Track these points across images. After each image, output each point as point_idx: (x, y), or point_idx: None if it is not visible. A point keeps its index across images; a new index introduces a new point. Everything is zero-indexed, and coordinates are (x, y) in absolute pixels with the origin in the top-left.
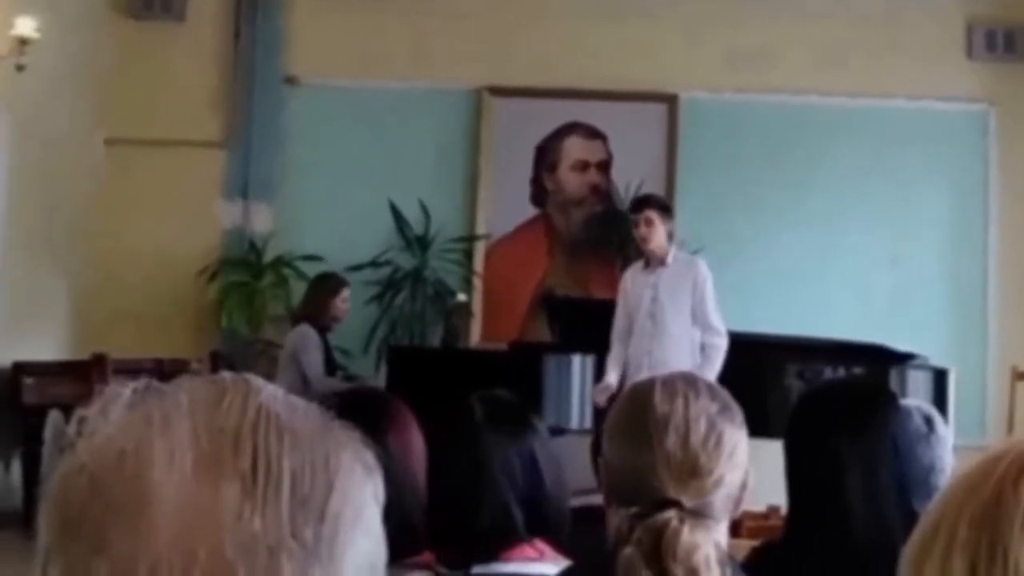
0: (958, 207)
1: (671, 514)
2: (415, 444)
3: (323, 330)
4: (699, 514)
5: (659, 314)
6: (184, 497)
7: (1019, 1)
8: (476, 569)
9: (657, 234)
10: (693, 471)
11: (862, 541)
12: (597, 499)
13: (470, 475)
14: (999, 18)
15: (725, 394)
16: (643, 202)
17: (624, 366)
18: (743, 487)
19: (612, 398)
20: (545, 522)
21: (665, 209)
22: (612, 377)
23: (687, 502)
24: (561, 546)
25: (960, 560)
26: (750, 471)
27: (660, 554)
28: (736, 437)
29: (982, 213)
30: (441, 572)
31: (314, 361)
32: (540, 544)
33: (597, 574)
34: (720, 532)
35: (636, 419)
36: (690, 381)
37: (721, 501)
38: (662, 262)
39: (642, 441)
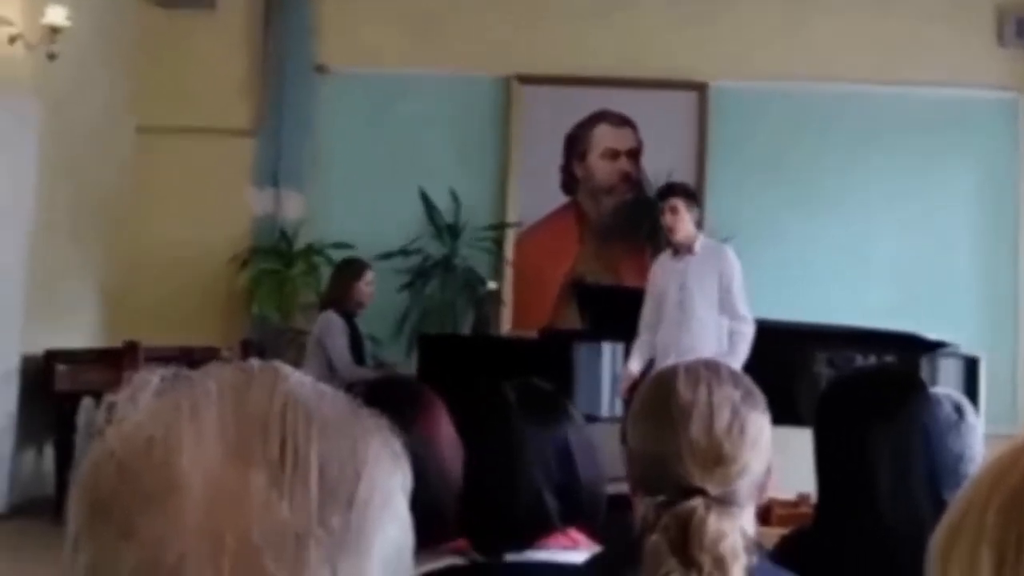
0: (989, 195)
1: (697, 502)
2: (444, 432)
3: (349, 315)
4: (725, 501)
5: (687, 302)
6: (212, 484)
7: None
8: (509, 556)
9: (683, 222)
10: (718, 458)
11: (891, 529)
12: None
13: (504, 462)
14: None
15: (748, 381)
16: (668, 190)
17: (652, 354)
18: (768, 473)
19: (634, 386)
20: (580, 510)
21: (691, 197)
22: (634, 366)
23: (712, 490)
24: (596, 534)
25: (988, 549)
26: (773, 458)
27: (687, 542)
28: (760, 424)
29: (1013, 200)
30: (474, 558)
31: (339, 346)
32: (574, 533)
33: (624, 562)
34: (746, 519)
35: (660, 407)
36: (713, 368)
37: (746, 488)
38: (690, 250)
39: (666, 429)
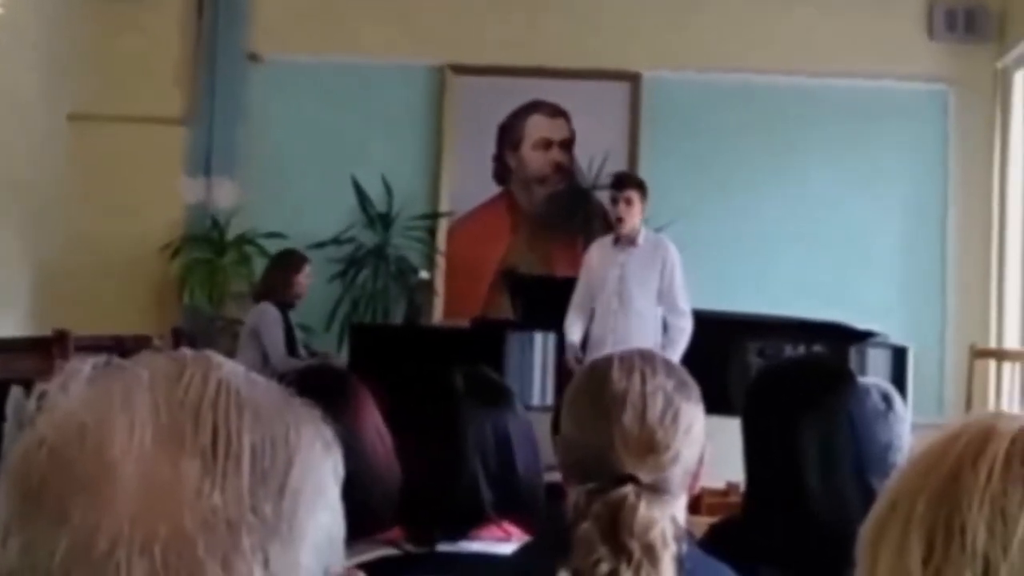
0: (918, 186)
1: (628, 489)
2: (370, 422)
3: (285, 307)
4: (656, 489)
5: (625, 293)
6: (144, 471)
7: None
8: (442, 547)
9: (634, 214)
10: (650, 447)
11: (819, 518)
12: (558, 476)
13: (444, 449)
14: None
15: (682, 371)
16: (625, 181)
17: (587, 341)
18: (700, 463)
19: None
20: (516, 502)
21: (644, 190)
22: (575, 335)
23: (644, 477)
24: (531, 527)
25: (917, 537)
26: (707, 447)
27: (617, 529)
28: (693, 413)
29: (941, 192)
30: (407, 548)
31: (275, 339)
32: (508, 525)
33: (555, 551)
34: (678, 508)
35: (593, 395)
36: (647, 357)
37: (678, 477)
38: (632, 241)
39: (599, 417)
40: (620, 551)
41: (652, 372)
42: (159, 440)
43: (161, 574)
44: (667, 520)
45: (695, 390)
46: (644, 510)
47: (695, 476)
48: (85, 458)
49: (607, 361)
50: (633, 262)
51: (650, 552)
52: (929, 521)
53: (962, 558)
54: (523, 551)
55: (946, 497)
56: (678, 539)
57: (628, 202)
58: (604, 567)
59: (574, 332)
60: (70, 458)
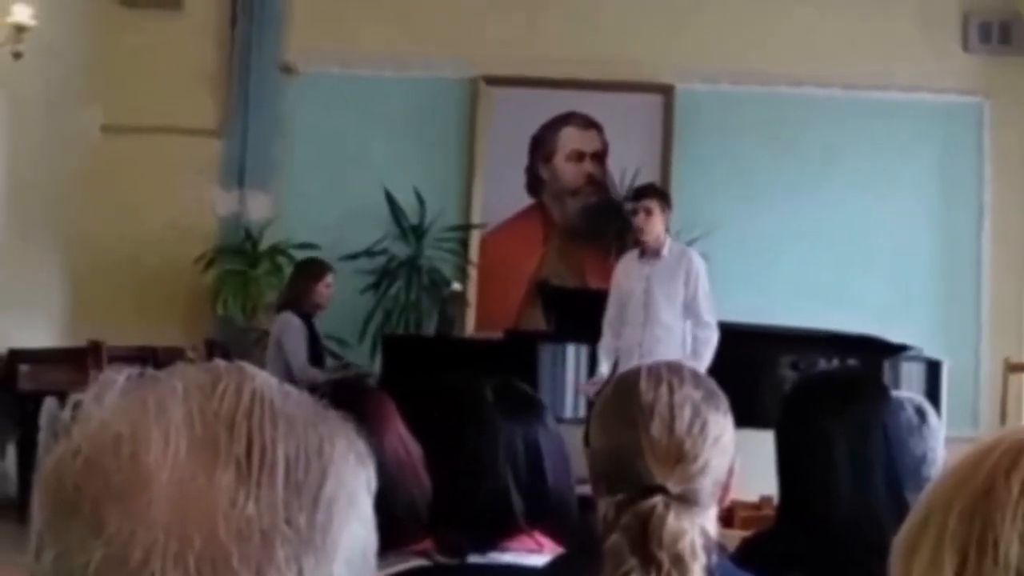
0: (953, 199)
1: (657, 500)
2: (392, 433)
3: (307, 317)
4: (685, 500)
5: (651, 305)
6: (179, 482)
7: None
8: (473, 558)
9: (655, 224)
10: (679, 457)
11: (851, 532)
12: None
13: (473, 461)
14: (994, 10)
15: (710, 381)
16: (644, 192)
17: (616, 355)
18: (730, 474)
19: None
20: (547, 513)
21: (665, 199)
22: (605, 368)
23: (673, 488)
24: (563, 539)
25: (950, 551)
26: (736, 459)
27: (646, 540)
28: (722, 424)
29: (976, 205)
30: (438, 560)
31: (297, 349)
32: (540, 536)
33: (586, 563)
34: (708, 519)
35: (622, 407)
36: (675, 369)
37: (708, 488)
38: (657, 253)
39: (628, 428)
40: (649, 562)
41: (680, 383)
42: (194, 450)
43: None
44: (696, 531)
45: (724, 401)
46: (673, 521)
47: (725, 488)
48: (120, 468)
49: (635, 373)
50: (658, 274)
51: (679, 563)
52: (962, 535)
53: (995, 572)
54: (554, 564)
55: (979, 511)
56: (708, 550)
57: (648, 212)
58: None
59: (604, 365)
60: (105, 468)
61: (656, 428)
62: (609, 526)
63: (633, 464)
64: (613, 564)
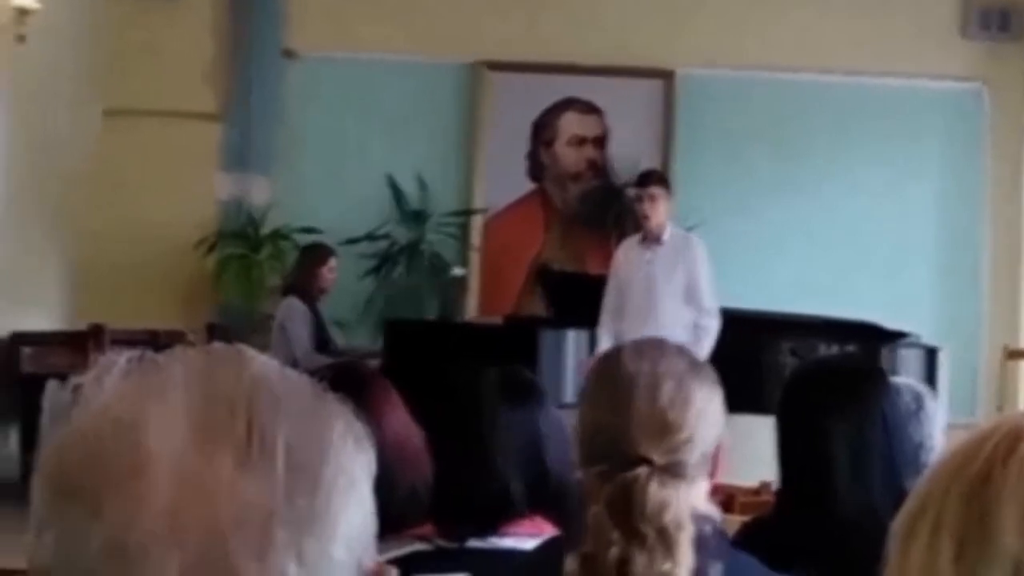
0: (951, 186)
1: (640, 470)
2: (391, 418)
3: (311, 301)
4: (670, 472)
5: (653, 292)
6: (179, 465)
7: None
8: (472, 542)
9: (659, 211)
10: (663, 428)
11: (849, 517)
12: None
13: (473, 446)
14: None
15: (695, 355)
16: (649, 177)
17: (618, 339)
18: (718, 447)
19: None
20: (547, 498)
21: (668, 186)
22: (606, 346)
23: (658, 459)
24: (563, 523)
25: (948, 537)
26: (727, 433)
27: (629, 512)
28: (707, 395)
29: (975, 192)
30: (438, 544)
31: (300, 334)
32: (540, 520)
33: (573, 541)
34: (696, 494)
35: (605, 379)
36: (659, 344)
37: (694, 460)
38: (658, 240)
39: (612, 401)
40: (633, 535)
41: (662, 354)
42: (193, 434)
43: (195, 567)
44: (682, 503)
45: (710, 374)
46: (656, 491)
47: (714, 461)
48: (119, 451)
49: (619, 348)
50: (659, 260)
51: (664, 536)
52: (960, 520)
53: (993, 557)
54: (545, 546)
55: (976, 497)
56: (698, 522)
57: (652, 199)
58: (615, 551)
59: (605, 341)
60: (104, 451)
61: (640, 399)
62: (591, 497)
63: (618, 437)
64: (595, 537)
